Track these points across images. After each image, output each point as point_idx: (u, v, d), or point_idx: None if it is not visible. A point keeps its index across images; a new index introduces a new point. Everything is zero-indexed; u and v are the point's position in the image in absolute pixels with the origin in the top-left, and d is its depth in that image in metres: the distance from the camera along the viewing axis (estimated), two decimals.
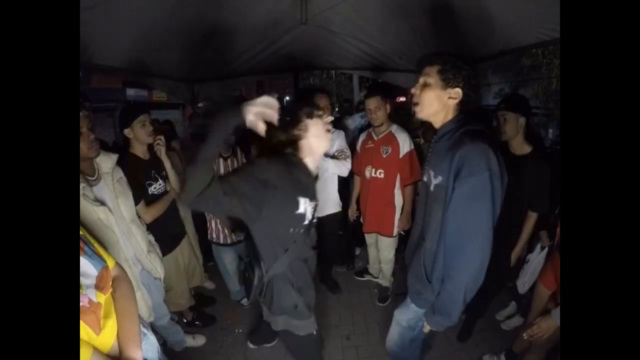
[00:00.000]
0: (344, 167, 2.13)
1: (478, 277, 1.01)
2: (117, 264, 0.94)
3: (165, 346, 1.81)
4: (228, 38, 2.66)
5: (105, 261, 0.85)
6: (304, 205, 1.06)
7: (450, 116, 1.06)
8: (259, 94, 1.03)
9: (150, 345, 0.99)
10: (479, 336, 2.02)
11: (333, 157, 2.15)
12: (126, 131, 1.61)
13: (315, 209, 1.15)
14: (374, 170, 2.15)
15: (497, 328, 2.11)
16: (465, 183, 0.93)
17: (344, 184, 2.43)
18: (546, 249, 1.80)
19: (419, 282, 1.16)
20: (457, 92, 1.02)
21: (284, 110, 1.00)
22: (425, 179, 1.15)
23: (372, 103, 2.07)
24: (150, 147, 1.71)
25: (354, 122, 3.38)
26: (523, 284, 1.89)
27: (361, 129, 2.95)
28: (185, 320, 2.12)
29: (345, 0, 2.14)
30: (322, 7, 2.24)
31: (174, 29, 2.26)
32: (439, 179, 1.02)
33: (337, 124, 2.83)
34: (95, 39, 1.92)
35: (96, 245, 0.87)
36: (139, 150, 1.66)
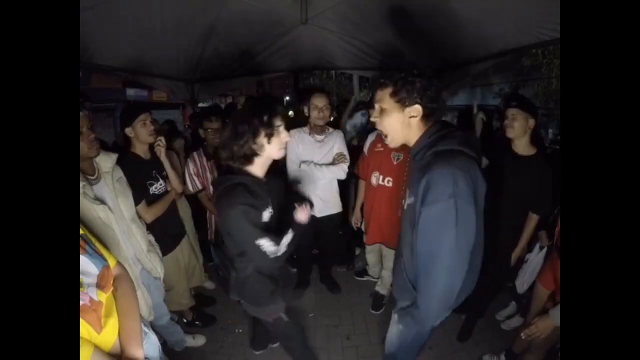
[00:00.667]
0: (340, 172, 2.07)
1: (445, 299, 1.01)
2: (119, 263, 0.94)
3: (165, 346, 1.81)
4: (228, 38, 2.66)
5: (106, 260, 0.85)
6: (268, 214, 1.17)
7: (419, 132, 1.02)
8: (259, 94, 1.04)
9: (151, 344, 0.99)
10: (479, 336, 2.02)
11: (332, 160, 2.11)
12: (127, 130, 1.61)
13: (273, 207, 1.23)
14: (381, 177, 1.96)
15: (497, 328, 2.10)
16: (430, 208, 0.91)
17: (343, 185, 2.41)
18: (545, 249, 1.80)
19: (403, 290, 1.17)
20: (416, 109, 0.98)
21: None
22: (402, 196, 1.16)
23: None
24: (151, 147, 1.71)
25: (354, 120, 3.31)
26: (522, 283, 1.89)
27: (363, 128, 2.94)
28: (185, 320, 2.12)
29: (345, 0, 2.14)
30: (322, 7, 2.24)
31: (174, 29, 2.27)
32: (412, 199, 1.01)
33: (336, 124, 2.83)
34: (95, 39, 1.92)
35: (97, 244, 0.87)
36: (140, 149, 1.66)
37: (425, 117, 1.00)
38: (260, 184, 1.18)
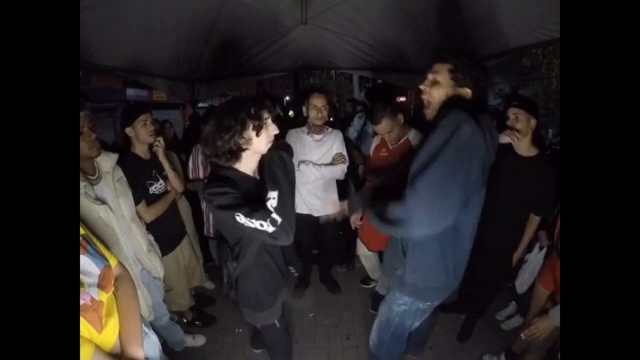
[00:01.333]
0: (339, 171, 2.08)
1: (426, 217, 0.91)
2: (120, 263, 0.94)
3: (165, 346, 1.81)
4: (228, 38, 2.66)
5: (107, 260, 0.85)
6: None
7: None
8: (259, 94, 1.02)
9: (151, 344, 0.99)
10: (479, 336, 2.02)
11: (331, 161, 2.10)
12: (127, 130, 1.61)
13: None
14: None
15: (497, 328, 2.10)
16: (431, 134, 0.91)
17: (342, 185, 2.40)
18: (545, 249, 1.80)
19: (394, 256, 1.17)
20: (467, 92, 1.01)
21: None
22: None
23: (383, 128, 1.86)
24: (151, 147, 1.71)
25: (354, 125, 3.24)
26: (522, 283, 1.89)
27: (361, 130, 2.94)
28: (185, 320, 2.12)
29: (345, 0, 2.14)
30: (322, 7, 2.24)
31: (174, 29, 2.27)
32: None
33: (335, 125, 2.83)
34: (95, 39, 1.92)
35: (98, 244, 0.87)
36: (140, 149, 1.66)
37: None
38: (249, 181, 1.09)
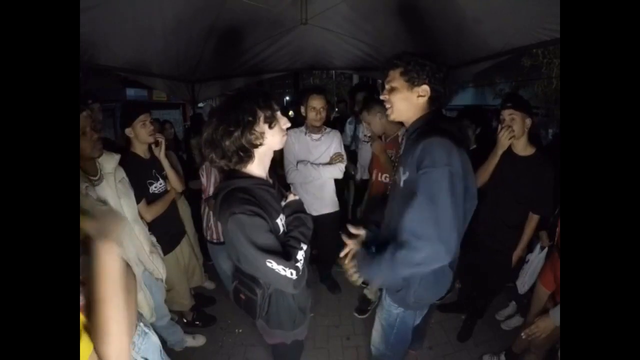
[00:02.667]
0: (337, 171, 2.09)
1: (422, 266, 0.95)
2: (122, 259, 0.92)
3: (165, 346, 1.81)
4: (228, 38, 2.67)
5: None
6: (281, 223, 1.01)
7: (420, 114, 1.07)
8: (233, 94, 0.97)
9: (151, 344, 0.99)
10: (479, 336, 2.02)
11: (330, 160, 2.11)
12: (127, 131, 1.61)
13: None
14: (379, 174, 2.07)
15: (497, 328, 2.10)
16: (426, 173, 0.92)
17: (342, 185, 2.40)
18: (546, 249, 1.80)
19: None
20: (425, 89, 1.03)
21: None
22: (396, 177, 1.15)
23: (366, 118, 1.99)
24: (151, 147, 1.72)
25: (346, 132, 3.18)
26: (523, 284, 1.89)
27: (353, 136, 2.93)
28: (185, 320, 2.12)
29: (345, 0, 2.14)
30: (322, 7, 2.24)
31: (174, 29, 2.27)
32: (407, 174, 1.02)
33: (334, 125, 2.83)
34: (96, 39, 1.92)
35: None
36: (140, 149, 1.67)
37: (431, 100, 1.04)
38: (267, 187, 0.99)
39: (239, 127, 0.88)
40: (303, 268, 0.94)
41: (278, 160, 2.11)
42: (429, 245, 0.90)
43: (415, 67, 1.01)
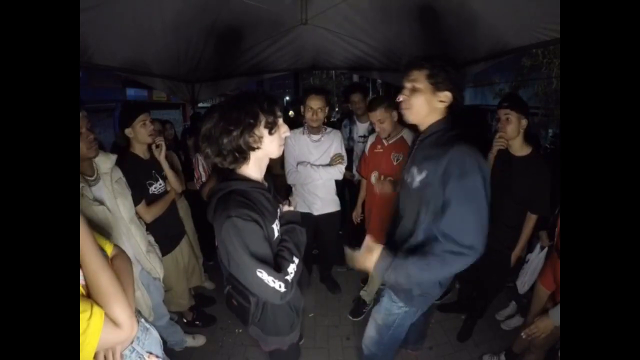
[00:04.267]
0: (337, 172, 2.08)
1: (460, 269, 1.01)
2: (115, 245, 0.92)
3: (165, 346, 1.81)
4: (228, 38, 2.67)
5: (104, 251, 0.84)
6: (276, 228, 1.00)
7: (437, 117, 1.07)
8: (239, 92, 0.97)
9: (153, 339, 0.99)
10: (479, 336, 2.02)
11: (330, 161, 2.10)
12: (127, 131, 1.61)
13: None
14: (381, 177, 1.95)
15: (497, 328, 2.10)
16: (463, 183, 0.94)
17: (342, 185, 2.40)
18: (546, 249, 1.80)
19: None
20: (447, 95, 1.02)
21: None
22: (405, 176, 1.15)
23: (377, 116, 1.90)
24: (150, 147, 1.71)
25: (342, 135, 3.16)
26: (523, 284, 1.88)
27: (349, 138, 2.92)
28: (185, 320, 2.12)
29: (345, 0, 2.14)
30: (322, 7, 2.24)
31: (174, 29, 2.27)
32: (424, 174, 1.03)
33: (334, 125, 2.82)
34: (95, 39, 1.92)
35: (96, 235, 0.86)
36: (139, 149, 1.66)
37: (450, 106, 1.05)
38: (262, 191, 0.97)
39: (239, 127, 0.86)
40: (292, 282, 0.93)
41: (279, 160, 2.11)
42: (475, 255, 0.95)
43: (441, 72, 1.00)
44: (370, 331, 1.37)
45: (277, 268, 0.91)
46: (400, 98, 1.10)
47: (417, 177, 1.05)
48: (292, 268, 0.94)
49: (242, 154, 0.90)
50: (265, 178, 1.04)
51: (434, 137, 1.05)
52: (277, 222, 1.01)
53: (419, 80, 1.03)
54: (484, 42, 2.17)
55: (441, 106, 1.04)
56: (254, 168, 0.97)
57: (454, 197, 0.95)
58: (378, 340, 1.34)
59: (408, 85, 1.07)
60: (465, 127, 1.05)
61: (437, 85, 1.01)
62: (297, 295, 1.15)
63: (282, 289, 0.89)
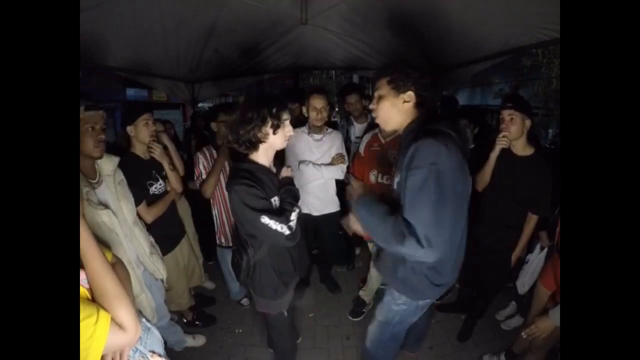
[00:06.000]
0: (339, 172, 2.09)
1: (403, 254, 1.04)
2: (114, 255, 0.93)
3: (165, 346, 1.81)
4: (228, 38, 2.66)
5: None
6: (275, 203, 1.23)
7: (411, 118, 1.10)
8: (259, 93, 1.07)
9: (155, 339, 0.99)
10: (479, 336, 2.02)
11: (331, 161, 2.10)
12: (129, 128, 1.61)
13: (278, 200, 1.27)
14: (380, 175, 1.94)
15: (497, 328, 2.10)
16: (412, 174, 0.96)
17: (342, 185, 2.39)
18: (546, 249, 1.80)
19: (395, 258, 1.20)
20: (410, 94, 1.07)
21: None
22: (392, 181, 1.18)
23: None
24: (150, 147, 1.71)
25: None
26: (523, 284, 1.89)
27: (346, 137, 2.91)
28: (185, 320, 2.12)
29: (345, 0, 2.14)
30: (322, 7, 2.24)
31: (174, 29, 2.27)
32: (399, 177, 1.06)
33: (335, 125, 2.82)
34: (95, 39, 1.92)
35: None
36: (140, 149, 1.66)
37: (418, 104, 1.08)
38: (267, 173, 1.24)
39: (250, 124, 1.14)
40: (296, 227, 1.19)
41: (281, 158, 2.11)
42: (430, 251, 0.93)
43: (400, 75, 1.06)
44: (372, 329, 1.38)
45: (280, 214, 1.16)
46: (371, 107, 1.16)
47: (396, 179, 1.09)
48: (293, 215, 1.20)
49: (253, 145, 1.19)
50: (275, 164, 1.33)
51: (409, 138, 1.06)
52: (275, 197, 1.24)
53: (381, 87, 1.11)
54: (484, 42, 2.17)
55: (407, 106, 1.08)
56: (262, 155, 1.24)
57: (407, 187, 0.97)
58: (379, 337, 1.35)
59: (375, 95, 1.13)
60: (440, 120, 1.07)
61: (397, 88, 1.07)
62: (284, 260, 1.34)
63: (287, 232, 1.14)
